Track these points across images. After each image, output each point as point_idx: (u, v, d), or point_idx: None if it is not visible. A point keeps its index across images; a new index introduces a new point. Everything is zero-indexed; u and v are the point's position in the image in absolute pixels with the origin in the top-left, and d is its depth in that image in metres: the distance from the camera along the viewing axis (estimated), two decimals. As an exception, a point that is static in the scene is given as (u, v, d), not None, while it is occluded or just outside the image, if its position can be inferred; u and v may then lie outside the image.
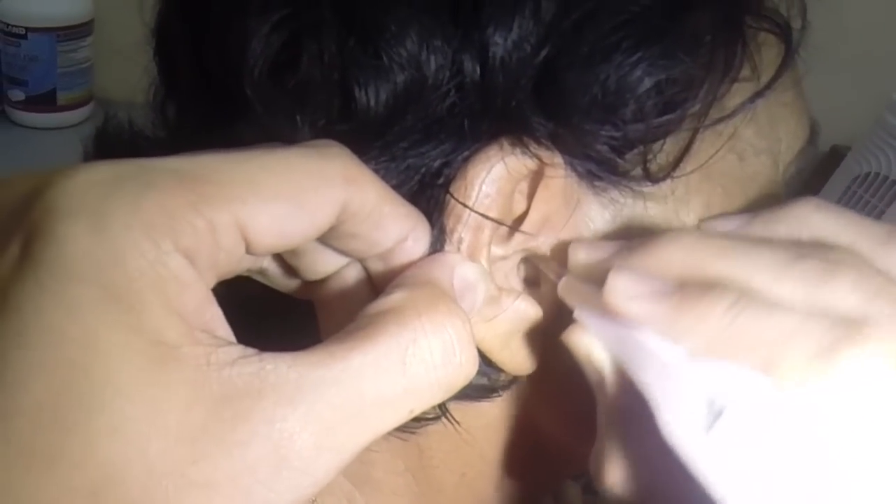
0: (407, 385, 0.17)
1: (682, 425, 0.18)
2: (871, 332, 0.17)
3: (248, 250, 0.18)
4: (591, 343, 0.22)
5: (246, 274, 0.23)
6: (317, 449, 0.16)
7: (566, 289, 0.23)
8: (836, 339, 0.17)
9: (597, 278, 0.21)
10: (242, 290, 0.23)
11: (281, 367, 0.16)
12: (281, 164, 0.18)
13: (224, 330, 0.17)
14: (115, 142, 0.29)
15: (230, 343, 0.16)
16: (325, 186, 0.18)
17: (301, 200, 0.18)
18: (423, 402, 0.18)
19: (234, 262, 0.18)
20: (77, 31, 0.93)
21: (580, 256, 0.23)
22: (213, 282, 0.17)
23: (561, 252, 0.24)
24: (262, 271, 0.23)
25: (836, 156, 1.03)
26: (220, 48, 0.23)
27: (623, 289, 0.20)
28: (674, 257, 0.21)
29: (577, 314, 0.22)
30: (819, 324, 0.18)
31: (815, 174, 1.12)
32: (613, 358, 0.21)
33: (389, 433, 0.27)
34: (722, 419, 0.17)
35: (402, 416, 0.17)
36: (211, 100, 0.25)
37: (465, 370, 0.18)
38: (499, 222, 0.23)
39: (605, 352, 0.21)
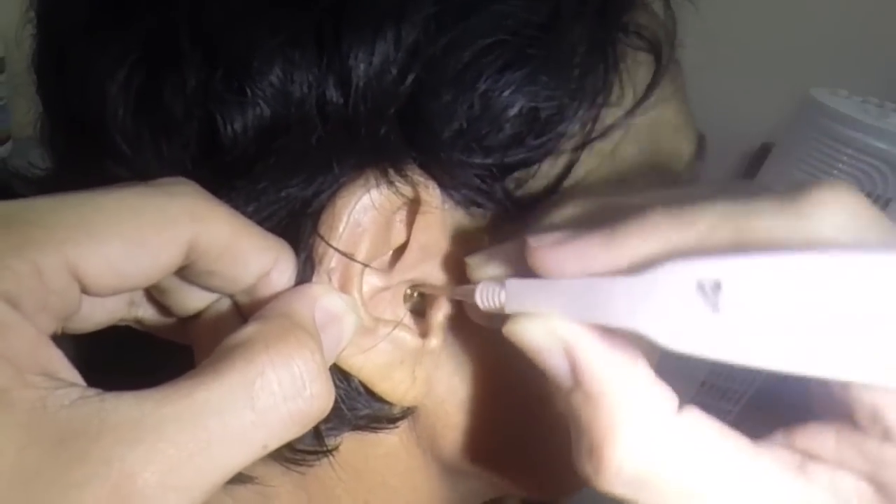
0: (256, 419, 0.17)
1: (682, 326, 0.16)
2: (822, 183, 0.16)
3: (87, 291, 0.17)
4: (540, 321, 0.19)
5: (122, 323, 0.22)
6: (161, 488, 0.15)
7: (484, 293, 0.21)
8: (795, 189, 0.16)
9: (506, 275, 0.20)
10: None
11: (122, 406, 0.15)
12: (118, 205, 0.17)
13: (67, 372, 0.17)
14: None
15: (71, 385, 0.16)
16: (168, 225, 0.18)
17: (140, 240, 0.17)
18: (277, 436, 0.17)
19: (70, 304, 0.17)
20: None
21: (479, 261, 0.22)
22: (51, 325, 0.17)
23: (447, 278, 0.24)
24: (138, 320, 0.22)
25: (765, 153, 1.06)
26: (82, 90, 0.23)
27: (548, 240, 0.19)
28: (576, 211, 0.20)
29: (508, 307, 0.20)
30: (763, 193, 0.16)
31: (745, 172, 1.15)
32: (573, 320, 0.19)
33: (285, 466, 0.27)
34: (723, 292, 0.16)
35: (254, 452, 0.17)
36: (82, 138, 0.24)
37: (319, 402, 0.18)
38: (349, 257, 0.22)
39: (562, 320, 0.19)
